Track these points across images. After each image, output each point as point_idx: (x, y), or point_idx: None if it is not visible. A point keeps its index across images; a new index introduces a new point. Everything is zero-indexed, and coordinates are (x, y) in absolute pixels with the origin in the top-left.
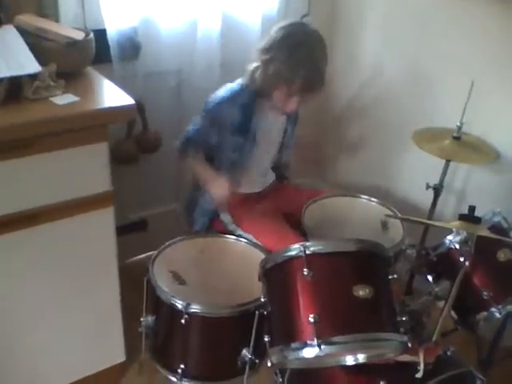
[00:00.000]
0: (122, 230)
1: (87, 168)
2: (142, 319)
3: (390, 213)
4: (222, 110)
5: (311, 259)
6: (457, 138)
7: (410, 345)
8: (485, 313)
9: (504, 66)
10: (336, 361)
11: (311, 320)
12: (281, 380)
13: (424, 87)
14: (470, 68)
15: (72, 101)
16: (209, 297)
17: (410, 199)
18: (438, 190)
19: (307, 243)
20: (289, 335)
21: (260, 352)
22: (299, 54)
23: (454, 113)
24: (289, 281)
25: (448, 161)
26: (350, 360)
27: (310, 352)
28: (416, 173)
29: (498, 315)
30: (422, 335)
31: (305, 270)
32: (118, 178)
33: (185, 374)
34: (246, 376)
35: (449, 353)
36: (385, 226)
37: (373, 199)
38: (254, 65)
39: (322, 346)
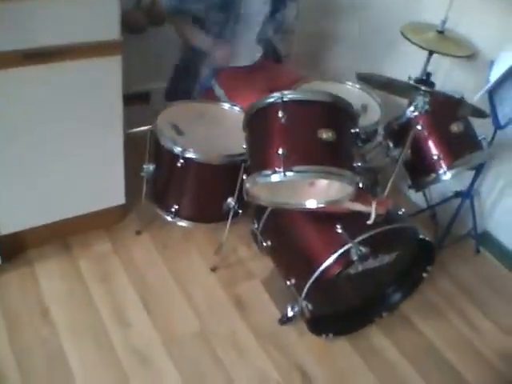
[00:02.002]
0: (125, 100)
1: (99, 15)
2: (144, 166)
3: (370, 98)
4: None
5: (287, 105)
6: (440, 32)
7: (361, 185)
8: (434, 174)
9: None
10: (298, 203)
11: (280, 153)
12: (256, 226)
13: None
14: None
15: None
16: (204, 149)
17: None
18: (418, 82)
19: (285, 91)
20: (261, 165)
21: (243, 204)
22: None
23: (442, 11)
24: (266, 123)
25: (431, 53)
26: (311, 204)
27: (276, 177)
28: (401, 67)
29: (444, 177)
30: (377, 191)
31: (280, 112)
32: (126, 49)
33: (177, 214)
34: (229, 220)
35: (400, 212)
36: (365, 109)
37: (356, 85)
38: None
39: (287, 173)
